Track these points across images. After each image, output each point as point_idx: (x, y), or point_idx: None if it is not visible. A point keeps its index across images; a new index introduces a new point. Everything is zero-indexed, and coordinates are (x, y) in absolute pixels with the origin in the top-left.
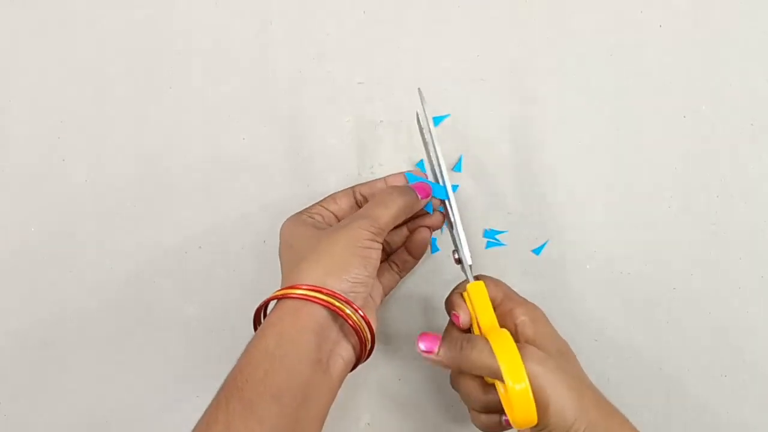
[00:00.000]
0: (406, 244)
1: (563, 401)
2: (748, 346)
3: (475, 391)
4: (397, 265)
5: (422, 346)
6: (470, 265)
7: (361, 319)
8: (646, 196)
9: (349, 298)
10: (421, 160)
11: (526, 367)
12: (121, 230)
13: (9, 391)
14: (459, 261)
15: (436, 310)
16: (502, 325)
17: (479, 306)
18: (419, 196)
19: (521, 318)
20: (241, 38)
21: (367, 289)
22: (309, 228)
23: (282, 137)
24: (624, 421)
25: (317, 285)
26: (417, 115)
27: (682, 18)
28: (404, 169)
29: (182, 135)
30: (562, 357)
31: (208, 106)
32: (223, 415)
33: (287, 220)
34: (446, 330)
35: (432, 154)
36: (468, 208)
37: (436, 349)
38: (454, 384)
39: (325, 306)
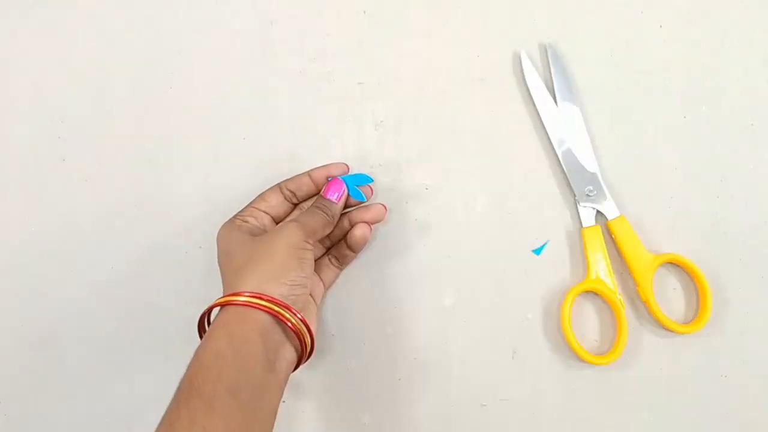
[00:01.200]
0: (346, 238)
1: None
2: (748, 346)
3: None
4: (336, 258)
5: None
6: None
7: (300, 323)
8: (647, 196)
9: (289, 302)
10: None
11: None
12: (122, 230)
13: (9, 391)
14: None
15: (436, 312)
16: None
17: (625, 241)
18: (334, 201)
19: None
20: (241, 38)
21: (306, 290)
22: (244, 234)
23: (282, 137)
24: None
25: (257, 291)
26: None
27: (683, 18)
28: (405, 170)
29: (182, 135)
30: None
31: (209, 106)
32: (185, 412)
33: (222, 227)
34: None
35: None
36: (467, 208)
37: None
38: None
39: (266, 311)
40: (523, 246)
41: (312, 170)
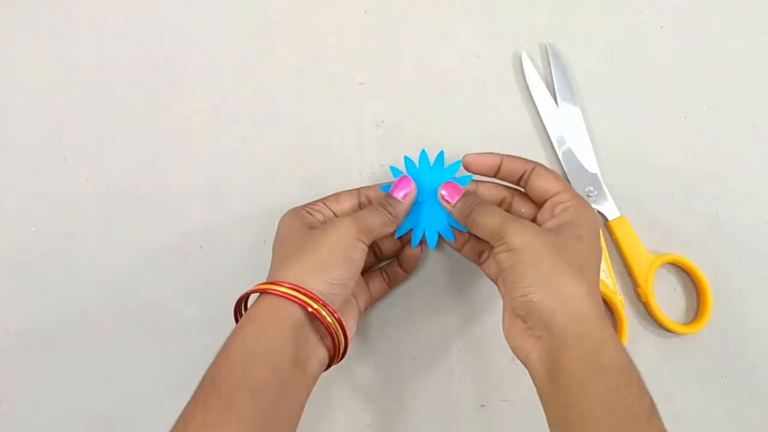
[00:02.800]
0: (398, 256)
1: (537, 272)
2: (748, 347)
3: (474, 257)
4: (388, 275)
5: (444, 192)
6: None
7: (336, 323)
8: (648, 196)
9: (327, 300)
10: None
11: (513, 241)
12: (122, 230)
13: (9, 391)
14: None
15: (437, 312)
16: (546, 214)
17: (625, 241)
18: (399, 200)
19: (570, 206)
20: (242, 38)
21: (346, 291)
22: (303, 225)
23: (283, 137)
24: (620, 341)
25: (297, 284)
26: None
27: (683, 19)
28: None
29: (183, 135)
30: (570, 239)
31: (209, 106)
32: (200, 410)
33: (287, 212)
34: (467, 190)
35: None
36: None
37: (453, 201)
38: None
39: (302, 305)
40: None
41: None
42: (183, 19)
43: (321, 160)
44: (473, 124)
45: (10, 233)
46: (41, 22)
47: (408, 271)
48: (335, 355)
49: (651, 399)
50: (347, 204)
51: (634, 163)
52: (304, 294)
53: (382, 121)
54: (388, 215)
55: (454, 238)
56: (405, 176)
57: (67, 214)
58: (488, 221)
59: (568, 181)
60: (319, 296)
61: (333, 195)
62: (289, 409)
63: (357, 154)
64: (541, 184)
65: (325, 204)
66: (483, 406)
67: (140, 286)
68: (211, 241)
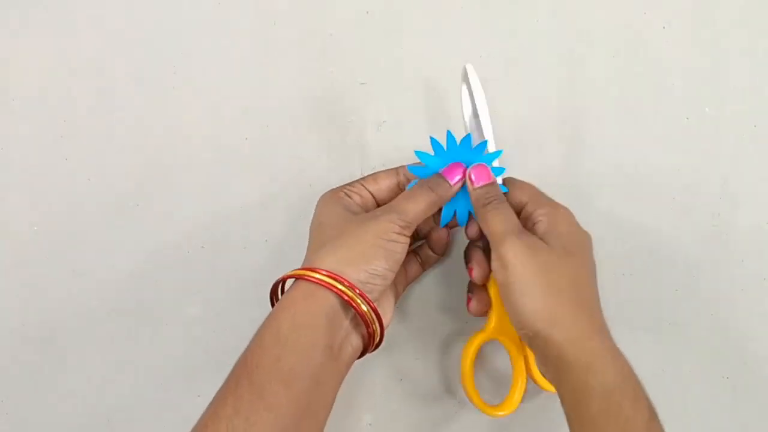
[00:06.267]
0: (427, 238)
1: (527, 300)
2: (749, 348)
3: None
4: (420, 257)
5: (473, 174)
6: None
7: (371, 312)
8: (649, 197)
9: (366, 290)
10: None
11: (506, 258)
12: (123, 229)
13: (9, 391)
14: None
15: (438, 312)
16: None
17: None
18: (450, 184)
19: (539, 219)
20: (243, 38)
21: (386, 282)
22: (342, 210)
23: (284, 137)
24: (618, 355)
25: (335, 272)
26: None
27: (686, 19)
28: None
29: (184, 134)
30: (562, 256)
31: (211, 106)
32: (231, 399)
33: (325, 194)
34: (494, 182)
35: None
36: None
37: (477, 185)
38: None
39: (338, 294)
40: None
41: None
42: (184, 20)
43: (322, 161)
44: None
45: (11, 232)
46: (41, 22)
47: (439, 253)
48: (370, 343)
49: (648, 410)
50: (385, 183)
51: (636, 163)
52: (341, 282)
53: (384, 121)
54: (434, 196)
55: None
56: (458, 163)
57: (69, 214)
58: (495, 223)
59: None
60: (358, 285)
61: (370, 175)
62: (322, 398)
63: (358, 154)
64: (513, 197)
65: (363, 185)
66: None
67: (141, 285)
68: (213, 241)
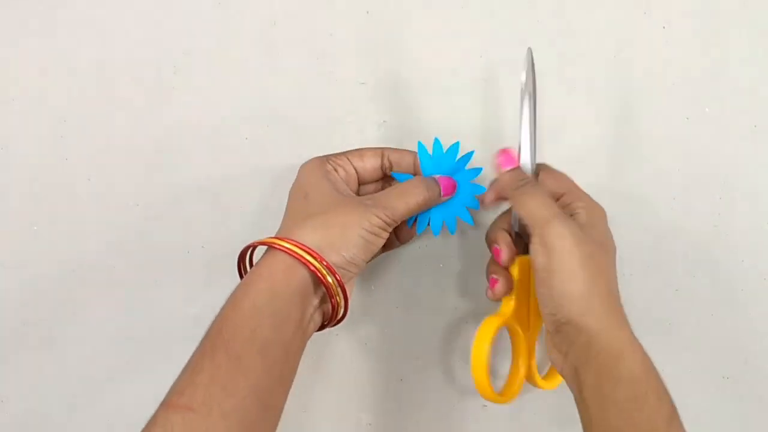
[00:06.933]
0: (396, 231)
1: (570, 287)
2: (749, 348)
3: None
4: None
5: (499, 159)
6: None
7: (341, 295)
8: (649, 197)
9: (341, 274)
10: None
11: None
12: (123, 229)
13: (9, 391)
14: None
15: (438, 311)
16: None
17: (522, 281)
18: (442, 193)
19: (579, 211)
20: (243, 38)
21: (359, 270)
22: (329, 187)
23: (284, 137)
24: (644, 350)
25: (314, 249)
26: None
27: (686, 19)
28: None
29: (185, 134)
30: (599, 248)
31: (210, 106)
32: (208, 364)
33: (311, 162)
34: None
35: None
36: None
37: (507, 168)
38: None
39: (314, 272)
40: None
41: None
42: (184, 19)
43: None
44: (476, 125)
45: (11, 232)
46: (41, 22)
47: (402, 242)
48: (331, 320)
49: (671, 406)
50: (370, 163)
51: (637, 163)
52: (318, 260)
53: (384, 121)
54: (427, 199)
55: (473, 221)
56: (451, 178)
57: (69, 214)
58: (536, 206)
59: None
60: (333, 266)
61: (357, 150)
62: (289, 371)
63: None
64: (548, 185)
65: (348, 159)
66: (485, 406)
67: (141, 285)
68: (213, 241)
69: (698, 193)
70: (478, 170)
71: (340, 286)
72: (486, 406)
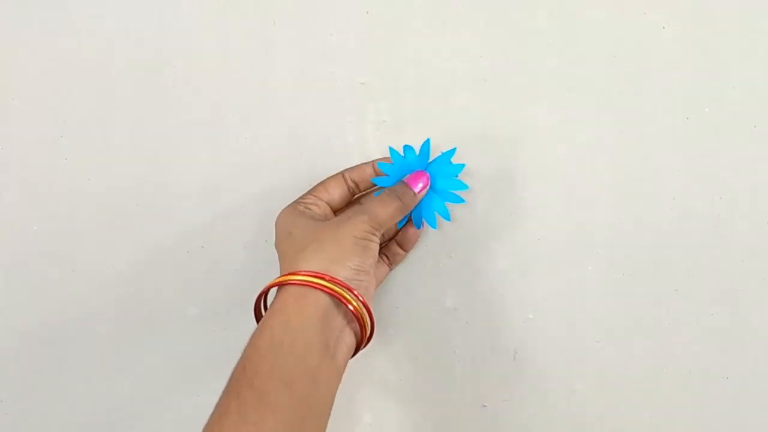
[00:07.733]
0: (397, 237)
1: None
2: (749, 348)
3: None
4: (387, 257)
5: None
6: None
7: (361, 306)
8: (648, 197)
9: (353, 285)
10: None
11: None
12: (123, 229)
13: (10, 391)
14: None
15: (438, 311)
16: None
17: None
18: (415, 192)
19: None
20: (243, 38)
21: (370, 276)
22: (308, 219)
23: (284, 137)
24: None
25: (319, 271)
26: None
27: (686, 19)
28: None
29: (184, 134)
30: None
31: (209, 106)
32: (235, 405)
33: (283, 210)
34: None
35: None
36: (468, 208)
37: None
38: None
39: (327, 292)
40: (522, 245)
41: (376, 160)
42: (184, 19)
43: (322, 161)
44: (476, 125)
45: (11, 232)
46: (41, 22)
47: (407, 250)
48: (362, 339)
49: None
50: (336, 192)
51: (636, 163)
52: (328, 280)
53: (384, 121)
54: (401, 205)
55: (450, 218)
56: (422, 171)
57: (68, 214)
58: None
59: None
60: (344, 281)
61: (320, 185)
62: (322, 398)
63: (358, 154)
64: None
65: (315, 196)
66: (484, 406)
67: (141, 285)
68: (212, 241)
69: (698, 193)
70: (460, 166)
71: (351, 292)
72: (486, 406)
